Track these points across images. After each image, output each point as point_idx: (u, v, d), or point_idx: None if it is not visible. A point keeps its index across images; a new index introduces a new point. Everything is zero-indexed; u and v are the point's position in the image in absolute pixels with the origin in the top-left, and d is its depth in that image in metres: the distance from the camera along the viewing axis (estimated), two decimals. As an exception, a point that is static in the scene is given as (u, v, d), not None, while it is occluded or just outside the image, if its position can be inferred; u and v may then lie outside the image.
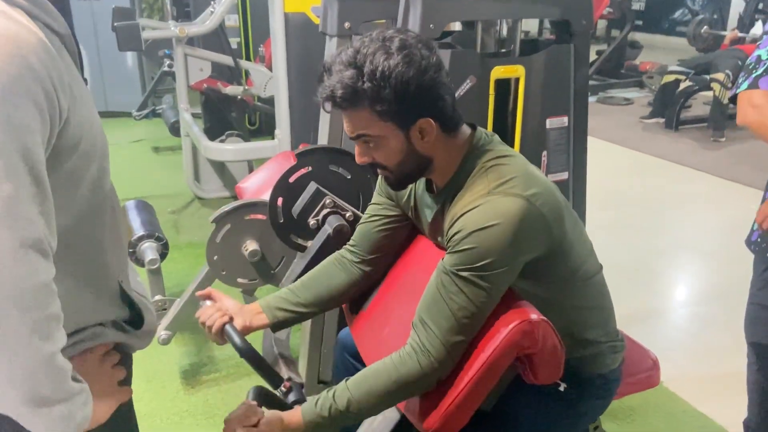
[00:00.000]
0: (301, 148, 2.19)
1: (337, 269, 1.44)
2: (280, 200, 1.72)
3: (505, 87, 1.78)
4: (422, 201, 1.33)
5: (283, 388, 1.25)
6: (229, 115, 4.62)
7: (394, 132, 1.15)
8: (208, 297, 1.40)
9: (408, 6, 1.64)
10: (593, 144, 5.75)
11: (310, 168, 1.70)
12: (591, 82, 7.44)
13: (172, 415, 2.19)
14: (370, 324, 1.43)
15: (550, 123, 1.82)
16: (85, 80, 0.92)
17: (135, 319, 1.02)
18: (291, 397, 1.25)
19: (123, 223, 1.04)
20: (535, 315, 1.12)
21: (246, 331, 1.35)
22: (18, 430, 0.77)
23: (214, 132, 4.60)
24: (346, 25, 1.90)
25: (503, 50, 1.85)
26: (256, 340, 1.51)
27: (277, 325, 1.40)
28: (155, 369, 2.43)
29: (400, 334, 1.25)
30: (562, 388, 1.22)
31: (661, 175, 4.86)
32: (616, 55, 7.66)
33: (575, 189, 1.94)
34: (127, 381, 1.03)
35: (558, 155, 1.86)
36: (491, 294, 1.12)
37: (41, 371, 0.71)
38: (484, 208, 1.11)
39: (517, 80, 1.76)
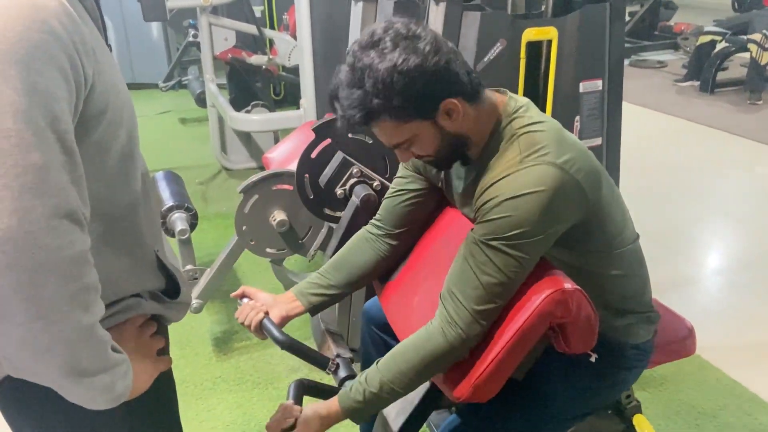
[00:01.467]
0: (326, 117, 2.17)
1: (365, 246, 1.43)
2: (306, 176, 1.71)
3: (536, 50, 1.72)
4: (454, 171, 1.30)
5: (332, 366, 1.26)
6: (254, 85, 4.61)
7: (422, 126, 1.13)
8: (243, 296, 1.41)
9: (436, -33, 1.59)
10: (625, 108, 5.64)
11: (329, 140, 1.68)
12: (623, 45, 7.22)
13: (205, 381, 2.23)
14: (399, 294, 1.42)
15: (584, 87, 1.76)
16: (109, 47, 0.89)
17: (171, 289, 1.02)
18: (341, 374, 1.26)
19: (154, 192, 1.03)
20: (569, 284, 1.09)
21: (284, 321, 1.35)
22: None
23: (239, 102, 4.59)
24: (372, -12, 1.86)
25: (535, 11, 1.79)
26: (305, 321, 1.52)
27: (313, 310, 1.40)
28: (188, 336, 2.48)
29: (430, 304, 1.24)
30: (593, 359, 1.20)
31: (695, 139, 4.73)
32: (649, 16, 7.40)
33: (609, 155, 1.89)
34: (165, 350, 1.03)
35: (591, 120, 1.81)
36: (522, 264, 1.10)
37: (81, 342, 0.71)
38: (516, 176, 1.08)
39: (549, 42, 1.70)
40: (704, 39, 5.76)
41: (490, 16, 1.61)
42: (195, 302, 2.25)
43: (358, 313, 1.98)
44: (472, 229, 1.14)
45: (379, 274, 1.47)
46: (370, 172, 1.67)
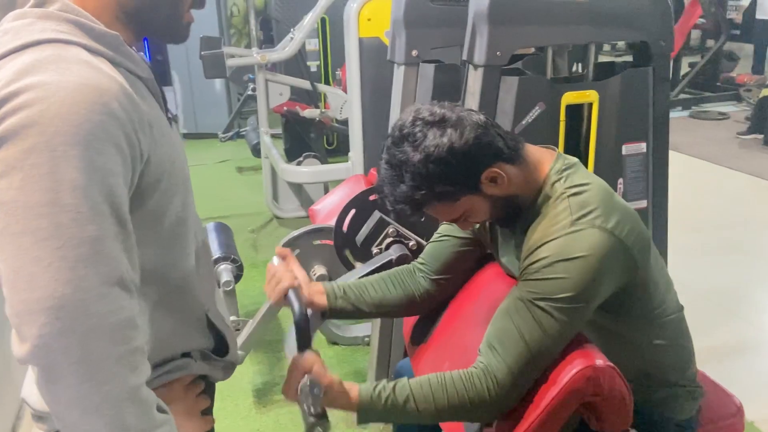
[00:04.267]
0: (373, 172, 2.20)
1: (403, 280, 1.42)
2: (347, 223, 1.73)
3: (577, 112, 1.71)
4: (500, 227, 1.30)
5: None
6: (308, 136, 4.75)
7: (472, 199, 1.15)
8: (285, 257, 1.38)
9: (474, 33, 1.62)
10: (684, 161, 5.50)
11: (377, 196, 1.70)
12: (683, 96, 7.08)
13: (243, 434, 2.24)
14: (431, 356, 1.40)
15: (627, 149, 1.74)
16: (172, 118, 0.96)
17: (220, 348, 1.05)
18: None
19: (210, 253, 1.07)
20: (600, 360, 1.06)
21: (305, 304, 1.30)
22: None
23: (294, 152, 4.74)
24: (414, 53, 1.91)
25: (576, 74, 1.79)
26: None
27: (333, 312, 1.37)
28: (230, 387, 2.50)
29: (461, 367, 1.22)
30: (631, 436, 1.15)
31: (757, 195, 4.53)
32: (710, 67, 7.25)
33: (656, 218, 1.84)
34: (209, 410, 1.05)
35: (636, 183, 1.77)
36: (567, 328, 1.08)
37: (127, 402, 0.74)
38: (569, 239, 1.08)
39: (590, 105, 1.69)
40: (767, 91, 5.59)
41: (527, 81, 1.62)
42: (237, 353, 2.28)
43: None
44: (517, 286, 1.13)
45: (406, 314, 1.47)
46: (406, 231, 1.68)
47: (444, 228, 1.41)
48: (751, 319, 2.99)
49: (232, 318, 2.34)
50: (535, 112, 1.64)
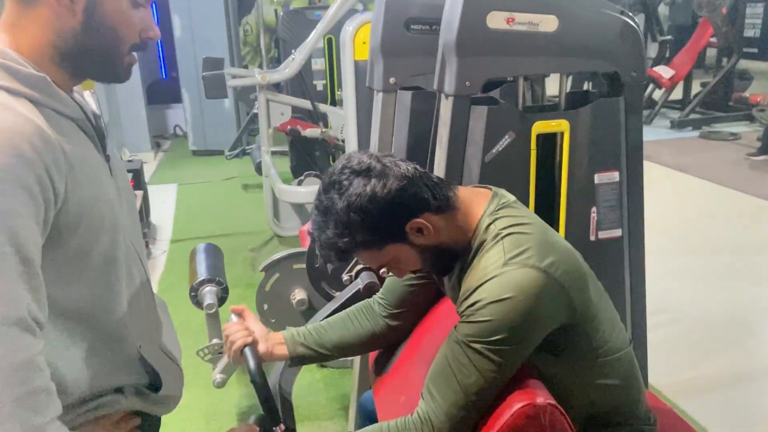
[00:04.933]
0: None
1: (363, 317, 1.44)
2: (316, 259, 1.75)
3: (549, 141, 1.71)
4: None
5: (278, 430, 1.24)
6: (312, 154, 4.79)
7: (397, 248, 1.16)
8: (240, 313, 1.42)
9: (444, 63, 1.63)
10: (691, 183, 5.42)
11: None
12: (693, 116, 7.01)
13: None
14: (390, 389, 1.40)
15: (599, 178, 1.73)
16: (108, 157, 0.98)
17: (155, 382, 1.06)
18: None
19: (148, 289, 1.08)
20: (541, 398, 1.05)
21: (266, 357, 1.35)
22: None
23: (300, 170, 4.78)
24: (391, 80, 1.92)
25: (548, 103, 1.79)
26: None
27: (296, 360, 1.39)
28: (215, 409, 2.52)
29: (415, 403, 1.21)
30: (578, 476, 1.13)
31: (767, 220, 4.45)
32: (722, 87, 7.18)
33: (631, 247, 1.82)
34: None
35: (609, 212, 1.76)
36: (503, 369, 1.07)
37: None
38: (500, 280, 1.07)
39: (561, 134, 1.69)
40: (779, 112, 5.51)
41: (497, 110, 1.62)
42: (218, 376, 2.28)
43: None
44: (454, 328, 1.13)
45: (370, 350, 1.48)
46: (377, 259, 1.69)
47: None
48: (750, 349, 2.92)
49: (215, 341, 2.36)
50: (505, 141, 1.64)
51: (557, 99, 1.77)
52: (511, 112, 1.64)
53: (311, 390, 2.63)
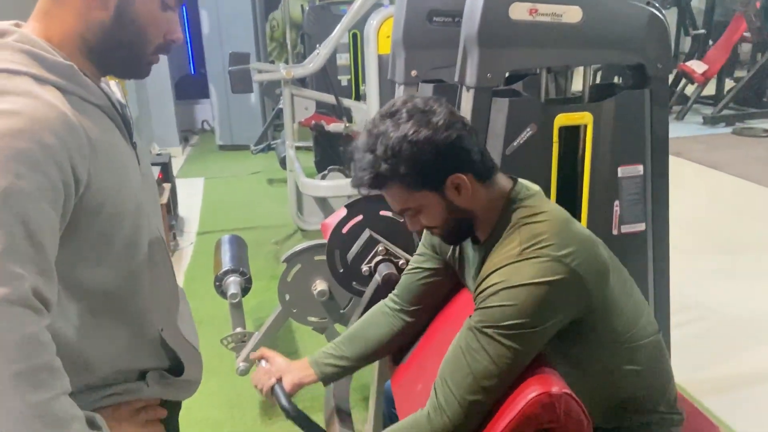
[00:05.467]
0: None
1: (381, 320, 1.45)
2: (337, 251, 1.77)
3: (572, 134, 1.70)
4: (466, 253, 1.31)
5: None
6: (336, 148, 4.81)
7: (430, 197, 1.15)
8: (261, 358, 1.47)
9: (465, 55, 1.63)
10: (723, 180, 5.30)
11: (361, 216, 1.73)
12: (726, 112, 6.86)
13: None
14: (407, 379, 1.41)
15: (623, 172, 1.71)
16: (134, 144, 1.01)
17: (177, 367, 1.09)
18: None
19: (170, 275, 1.10)
20: (556, 387, 1.05)
21: (296, 388, 1.39)
22: None
23: (324, 165, 4.81)
24: (413, 73, 1.93)
25: (571, 96, 1.77)
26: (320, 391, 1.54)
27: (325, 380, 1.43)
28: (236, 397, 2.56)
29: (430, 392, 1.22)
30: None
31: (799, 217, 4.35)
32: (757, 82, 7.01)
33: (655, 241, 1.80)
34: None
35: (633, 206, 1.74)
36: (516, 356, 1.08)
37: (33, 418, 0.77)
38: (515, 267, 1.08)
39: (585, 127, 1.68)
40: (815, 108, 5.36)
41: (518, 102, 1.62)
42: (241, 365, 2.32)
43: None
44: (470, 316, 1.14)
45: (392, 350, 1.48)
46: (396, 249, 1.70)
47: (415, 259, 1.43)
48: (778, 347, 2.86)
49: (239, 330, 2.40)
50: (527, 133, 1.63)
51: (581, 92, 1.75)
52: (532, 105, 1.64)
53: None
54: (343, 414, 1.47)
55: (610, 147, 1.68)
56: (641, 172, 1.72)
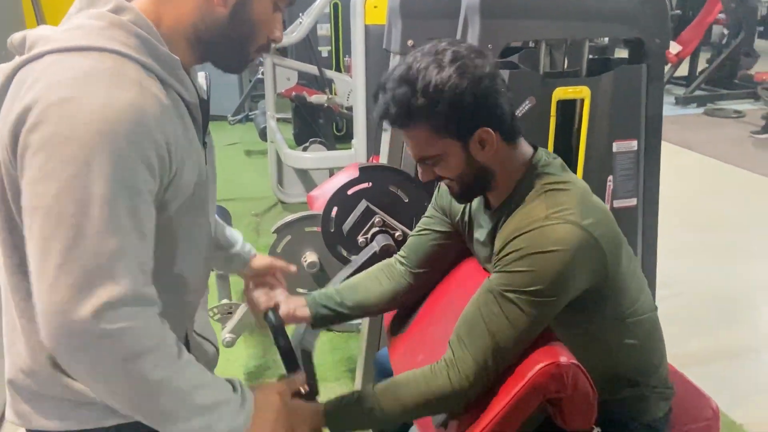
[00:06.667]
0: (372, 161, 2.19)
1: (385, 277, 1.43)
2: (334, 210, 1.75)
3: (569, 108, 1.70)
4: (476, 218, 1.30)
5: (301, 390, 1.25)
6: (316, 121, 4.75)
7: (454, 146, 1.13)
8: (267, 273, 1.37)
9: (466, 25, 1.61)
10: (695, 160, 5.41)
11: (370, 183, 1.71)
12: (698, 93, 6.98)
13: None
14: (406, 349, 1.41)
15: (617, 147, 1.73)
16: (205, 144, 1.00)
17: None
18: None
19: (205, 276, 1.10)
20: (564, 357, 1.06)
21: (288, 318, 1.35)
22: None
23: (302, 137, 4.75)
24: (410, 42, 1.90)
25: (569, 70, 1.77)
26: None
27: (317, 321, 1.39)
28: (222, 370, 2.51)
29: (433, 361, 1.23)
30: (596, 433, 1.15)
31: (768, 196, 4.48)
32: (729, 64, 7.13)
33: (645, 217, 1.83)
34: None
35: (626, 181, 1.76)
36: (534, 321, 1.08)
37: (153, 394, 0.82)
38: (542, 231, 1.07)
39: (582, 101, 1.68)
40: (785, 90, 5.49)
41: (519, 75, 1.61)
42: (228, 336, 2.31)
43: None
44: (488, 278, 1.14)
45: (391, 308, 1.48)
46: (392, 221, 1.69)
47: (424, 221, 1.42)
48: (751, 322, 2.96)
49: (225, 301, 2.38)
50: (526, 106, 1.63)
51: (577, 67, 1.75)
52: (532, 78, 1.64)
53: (317, 353, 2.64)
54: (306, 356, 1.45)
55: (606, 122, 1.70)
56: (635, 148, 1.74)
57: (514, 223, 1.12)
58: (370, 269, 1.47)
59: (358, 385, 2.31)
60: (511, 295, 1.08)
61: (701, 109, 6.67)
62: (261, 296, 1.34)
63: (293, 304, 1.36)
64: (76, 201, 0.75)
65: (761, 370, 2.60)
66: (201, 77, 1.06)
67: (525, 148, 1.20)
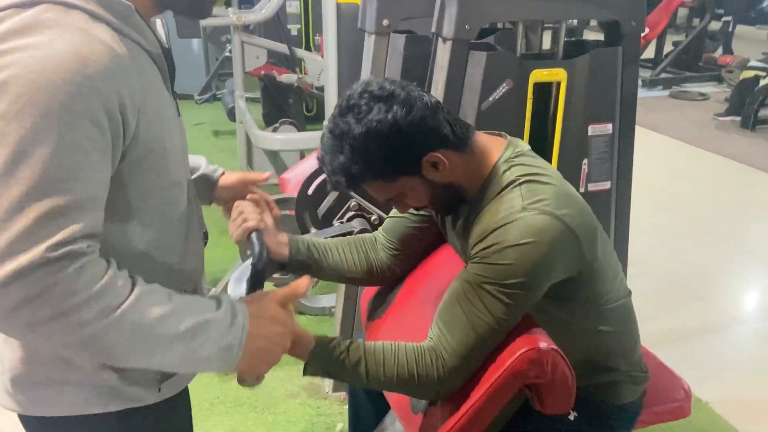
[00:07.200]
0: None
1: (367, 248, 1.40)
2: (309, 193, 1.71)
3: (545, 91, 1.70)
4: None
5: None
6: (286, 101, 4.67)
7: (410, 181, 1.13)
8: (257, 201, 1.30)
9: (443, 5, 1.58)
10: (660, 141, 5.47)
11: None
12: (664, 75, 7.08)
13: (203, 401, 2.25)
14: (384, 333, 1.40)
15: (593, 130, 1.73)
16: (175, 94, 0.94)
17: None
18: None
19: (200, 236, 1.05)
20: (544, 343, 1.06)
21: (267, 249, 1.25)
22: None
23: (271, 117, 4.66)
24: (385, 22, 1.86)
25: (546, 52, 1.76)
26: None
27: (293, 264, 1.33)
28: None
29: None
30: (572, 417, 1.16)
31: (731, 177, 4.58)
32: (694, 47, 7.24)
33: (618, 199, 1.84)
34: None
35: (600, 164, 1.77)
36: (513, 312, 1.08)
37: (114, 331, 0.76)
38: (519, 224, 1.07)
39: (558, 84, 1.68)
40: (748, 74, 5.61)
41: (496, 56, 1.59)
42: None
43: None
44: (465, 269, 1.13)
45: (365, 282, 1.47)
46: (368, 205, 1.67)
47: None
48: (714, 300, 3.04)
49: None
50: (503, 89, 1.62)
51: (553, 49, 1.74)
52: (509, 60, 1.62)
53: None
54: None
55: (582, 105, 1.69)
56: (610, 131, 1.74)
57: (490, 216, 1.11)
58: (352, 237, 1.44)
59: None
60: (489, 287, 1.07)
61: (667, 92, 6.77)
62: (253, 212, 1.25)
63: (276, 239, 1.31)
64: (13, 156, 0.70)
65: (725, 347, 2.68)
66: (159, 26, 0.99)
67: (486, 143, 1.18)
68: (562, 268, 1.10)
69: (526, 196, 1.09)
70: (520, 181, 1.11)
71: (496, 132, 1.22)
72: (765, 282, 3.29)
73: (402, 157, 1.09)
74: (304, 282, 1.00)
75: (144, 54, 0.84)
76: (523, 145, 1.20)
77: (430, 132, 1.09)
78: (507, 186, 1.12)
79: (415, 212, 1.35)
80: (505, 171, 1.14)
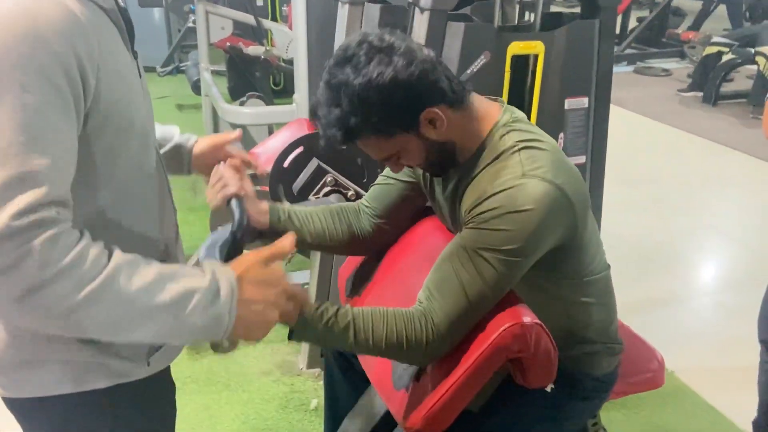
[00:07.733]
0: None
1: (350, 216, 1.37)
2: (284, 167, 1.67)
3: (522, 64, 1.68)
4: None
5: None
6: (252, 74, 4.56)
7: (406, 138, 1.10)
8: (238, 168, 1.24)
9: (421, -25, 1.54)
10: (625, 117, 5.54)
11: (302, 148, 1.64)
12: (629, 51, 7.15)
13: (175, 380, 2.20)
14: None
15: (569, 104, 1.73)
16: (135, 54, 0.90)
17: None
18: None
19: (171, 203, 1.02)
20: (528, 318, 1.06)
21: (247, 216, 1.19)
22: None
23: (237, 91, 4.55)
24: (359, -9, 1.82)
25: (523, 23, 1.74)
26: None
27: (271, 232, 1.27)
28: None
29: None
30: (549, 389, 1.17)
31: (693, 152, 4.68)
32: (657, 23, 7.32)
33: (593, 173, 1.86)
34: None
35: (576, 138, 1.77)
36: (506, 279, 1.07)
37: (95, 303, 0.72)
38: (519, 190, 1.05)
39: (536, 57, 1.66)
40: (711, 50, 5.69)
41: (474, 28, 1.57)
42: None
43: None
44: (460, 234, 1.11)
45: (345, 252, 1.44)
46: (345, 180, 1.64)
47: (388, 172, 1.37)
48: (678, 272, 3.12)
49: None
50: (481, 61, 1.60)
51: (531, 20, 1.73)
52: (487, 31, 1.60)
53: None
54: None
55: (560, 78, 1.69)
56: (586, 105, 1.74)
57: (487, 179, 1.10)
58: (335, 205, 1.40)
59: (305, 348, 2.28)
60: (485, 254, 1.06)
61: (631, 68, 6.85)
62: (233, 179, 1.19)
63: (256, 206, 1.26)
64: None
65: (688, 317, 2.76)
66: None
67: (484, 105, 1.17)
68: (557, 236, 1.10)
69: (526, 162, 1.08)
70: (519, 147, 1.10)
71: (492, 96, 1.20)
72: (727, 254, 3.39)
73: (401, 110, 1.06)
74: (288, 240, 0.93)
75: (100, 11, 0.79)
76: (519, 112, 1.19)
77: (429, 86, 1.06)
78: (505, 151, 1.11)
79: (403, 177, 1.33)
80: (503, 135, 1.12)
